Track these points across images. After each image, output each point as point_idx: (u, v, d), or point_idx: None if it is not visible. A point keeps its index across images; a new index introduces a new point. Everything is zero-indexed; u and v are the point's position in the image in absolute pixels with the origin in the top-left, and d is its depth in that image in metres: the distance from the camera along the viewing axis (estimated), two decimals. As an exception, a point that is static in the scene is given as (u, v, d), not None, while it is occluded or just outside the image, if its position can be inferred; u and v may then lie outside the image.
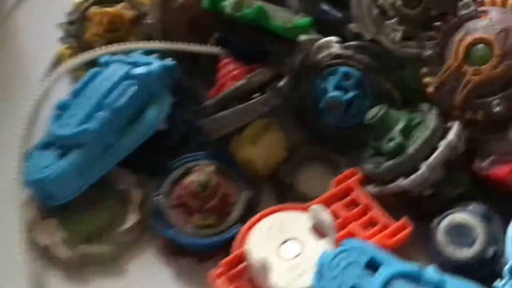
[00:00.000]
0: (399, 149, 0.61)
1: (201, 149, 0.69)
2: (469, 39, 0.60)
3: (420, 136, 0.60)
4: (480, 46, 0.59)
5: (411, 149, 0.60)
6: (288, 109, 0.70)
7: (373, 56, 0.67)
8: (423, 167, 0.59)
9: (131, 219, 0.64)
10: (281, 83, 0.66)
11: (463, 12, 0.61)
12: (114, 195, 0.66)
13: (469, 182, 0.61)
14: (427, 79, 0.63)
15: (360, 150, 0.66)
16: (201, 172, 0.64)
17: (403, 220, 0.60)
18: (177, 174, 0.66)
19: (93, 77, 0.67)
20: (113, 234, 0.64)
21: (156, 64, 0.67)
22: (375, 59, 0.67)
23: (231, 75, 0.67)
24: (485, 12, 0.60)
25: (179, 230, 0.63)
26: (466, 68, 0.59)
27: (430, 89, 0.62)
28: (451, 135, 0.59)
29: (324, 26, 0.71)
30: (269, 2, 0.69)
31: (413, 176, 0.59)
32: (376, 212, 0.61)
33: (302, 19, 0.68)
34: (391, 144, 0.61)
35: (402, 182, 0.60)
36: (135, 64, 0.67)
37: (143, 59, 0.68)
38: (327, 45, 0.69)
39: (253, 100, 0.64)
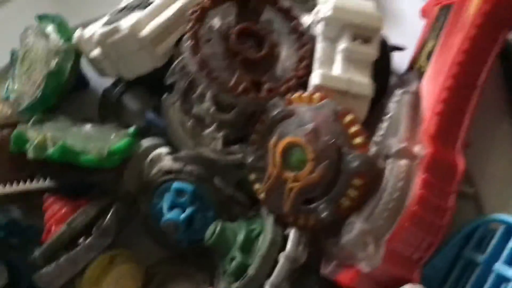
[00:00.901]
0: (242, 269, 0.58)
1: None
2: (281, 143, 0.57)
3: (259, 251, 0.57)
4: (295, 149, 0.56)
5: (251, 270, 0.57)
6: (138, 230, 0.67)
7: (205, 164, 0.64)
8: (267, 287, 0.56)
9: None
10: (106, 222, 0.61)
11: (273, 113, 0.58)
12: None
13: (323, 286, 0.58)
14: (256, 186, 0.60)
15: (216, 264, 0.63)
16: None
17: None
18: None
19: None
20: None
21: None
22: (207, 166, 0.64)
23: (57, 216, 0.63)
24: (293, 111, 0.57)
25: None
26: (287, 175, 0.57)
27: (261, 197, 0.59)
28: (289, 246, 0.57)
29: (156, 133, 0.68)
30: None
31: (258, 298, 0.57)
32: None
33: (120, 141, 0.63)
34: (233, 264, 0.58)
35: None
36: None
37: None
38: (158, 158, 0.65)
39: (77, 249, 0.61)
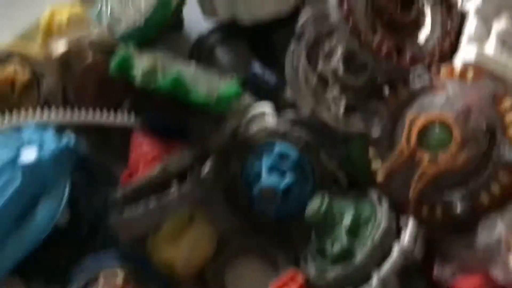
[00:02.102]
0: (346, 255, 0.51)
1: (111, 245, 0.57)
2: (423, 119, 0.50)
3: (370, 237, 0.50)
4: (437, 127, 0.49)
5: (359, 258, 0.50)
6: (217, 192, 0.59)
7: (313, 131, 0.57)
8: (374, 280, 0.49)
9: None
10: (204, 171, 0.54)
11: (416, 84, 0.51)
12: None
13: None
14: (375, 164, 0.52)
15: (301, 243, 0.56)
16: (108, 281, 0.53)
17: None
18: (79, 284, 0.54)
19: None
20: None
21: (50, 145, 0.54)
22: (315, 134, 0.57)
23: (145, 158, 0.56)
24: (441, 86, 0.50)
25: None
26: (421, 154, 0.49)
27: (379, 178, 0.52)
28: (405, 239, 0.49)
29: (257, 89, 0.61)
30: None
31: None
32: None
33: (228, 86, 0.56)
34: (337, 248, 0.51)
35: (351, 295, 0.50)
36: (25, 143, 0.54)
37: (35, 136, 0.56)
38: (261, 117, 0.58)
39: (169, 196, 0.53)
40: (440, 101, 0.50)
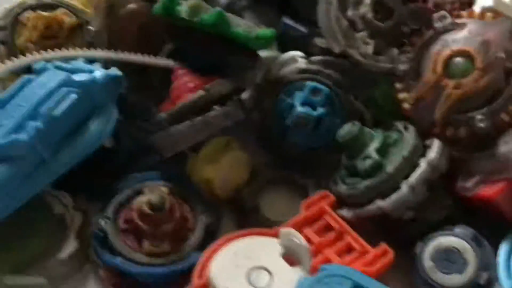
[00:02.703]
0: (376, 168, 0.55)
1: (151, 170, 0.61)
2: (447, 51, 0.56)
3: (398, 154, 0.55)
4: (460, 59, 0.56)
5: (390, 168, 0.55)
6: (249, 129, 0.64)
7: (341, 73, 0.63)
8: (404, 187, 0.54)
9: (69, 247, 0.55)
10: (244, 95, 0.59)
11: (439, 24, 0.58)
12: (49, 219, 0.56)
13: (452, 205, 0.56)
14: (402, 95, 0.58)
15: (329, 172, 0.60)
16: (153, 193, 0.56)
17: (382, 246, 0.54)
18: (125, 195, 0.58)
19: (26, 84, 0.57)
20: (48, 263, 0.54)
21: (100, 72, 0.58)
22: (343, 75, 0.62)
23: (187, 87, 0.60)
24: (462, 24, 0.57)
25: (128, 258, 0.54)
26: (446, 82, 0.56)
27: (406, 105, 0.58)
28: (432, 153, 0.55)
29: (286, 43, 0.66)
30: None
31: (393, 197, 0.54)
32: (352, 237, 0.55)
33: (265, 30, 0.62)
34: (368, 162, 0.56)
35: (380, 203, 0.54)
36: (76, 71, 0.58)
37: (85, 66, 0.60)
38: (292, 60, 0.64)
39: (213, 112, 0.57)
40: (462, 37, 0.57)
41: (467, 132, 0.55)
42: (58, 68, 0.59)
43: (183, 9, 0.59)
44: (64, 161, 0.55)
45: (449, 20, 0.58)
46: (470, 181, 0.55)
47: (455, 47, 0.56)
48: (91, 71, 0.59)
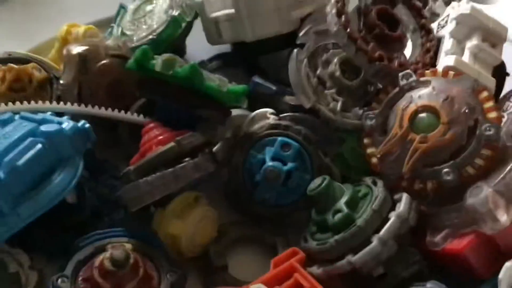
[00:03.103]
0: (347, 222, 0.55)
1: (115, 227, 0.59)
2: (413, 107, 0.57)
3: (368, 207, 0.55)
4: (425, 114, 0.57)
5: (360, 221, 0.54)
6: (217, 186, 0.63)
7: (311, 129, 0.63)
8: (375, 241, 0.53)
9: None
10: (215, 148, 0.59)
11: (405, 82, 0.59)
12: (3, 278, 0.54)
13: (421, 260, 0.55)
14: (370, 150, 0.59)
15: (298, 229, 0.60)
16: (116, 249, 0.54)
17: None
18: (86, 253, 0.55)
19: None
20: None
21: (68, 123, 0.57)
22: (312, 131, 0.63)
23: (157, 140, 0.59)
24: (427, 82, 0.59)
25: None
26: (412, 136, 0.56)
27: (374, 160, 0.58)
28: (401, 207, 0.55)
29: (256, 101, 0.67)
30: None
31: (364, 251, 0.53)
32: None
33: (237, 85, 0.63)
34: (338, 216, 0.55)
35: (351, 258, 0.53)
36: (44, 122, 0.57)
37: (53, 118, 0.59)
38: (263, 116, 0.64)
39: (183, 164, 0.56)
40: (427, 93, 0.58)
41: (435, 185, 0.55)
42: (24, 118, 0.58)
43: (157, 62, 0.60)
44: (24, 215, 0.53)
45: (413, 78, 0.60)
46: (438, 236, 0.54)
47: (421, 102, 0.57)
48: (59, 123, 0.58)
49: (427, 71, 0.60)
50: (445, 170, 0.55)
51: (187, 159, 0.57)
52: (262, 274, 0.55)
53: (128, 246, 0.56)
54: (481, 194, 0.52)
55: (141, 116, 0.65)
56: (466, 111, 0.56)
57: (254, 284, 0.53)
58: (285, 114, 0.64)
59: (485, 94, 0.57)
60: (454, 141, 0.55)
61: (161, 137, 0.59)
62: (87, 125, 0.59)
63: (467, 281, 0.54)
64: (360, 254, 0.53)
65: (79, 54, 0.65)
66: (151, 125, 0.61)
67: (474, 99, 0.57)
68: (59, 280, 0.53)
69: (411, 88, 0.59)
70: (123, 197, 0.57)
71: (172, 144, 0.57)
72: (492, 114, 0.56)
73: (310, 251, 0.56)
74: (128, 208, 0.57)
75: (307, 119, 0.63)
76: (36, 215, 0.53)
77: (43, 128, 0.56)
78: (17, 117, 0.58)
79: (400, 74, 0.60)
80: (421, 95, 0.58)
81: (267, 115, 0.64)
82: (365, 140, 0.60)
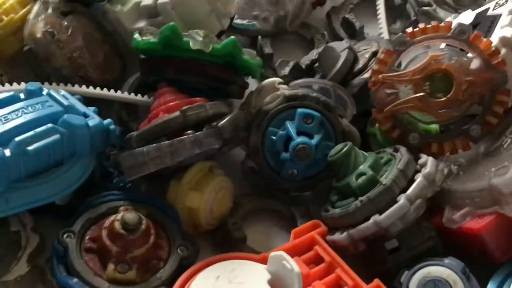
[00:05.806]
0: (372, 184, 0.51)
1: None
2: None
3: (393, 168, 0.51)
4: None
5: (387, 180, 0.50)
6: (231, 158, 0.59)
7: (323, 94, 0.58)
8: (402, 199, 0.49)
9: (18, 270, 0.48)
10: (222, 122, 0.52)
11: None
12: (4, 236, 0.50)
13: (436, 236, 0.51)
14: (378, 67, 0.55)
15: (319, 199, 0.56)
16: (130, 212, 0.49)
17: (376, 282, 0.48)
18: (97, 211, 0.50)
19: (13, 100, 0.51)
20: (-4, 284, 0.47)
21: (94, 120, 0.52)
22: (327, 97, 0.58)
23: (166, 106, 0.54)
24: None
25: (85, 281, 0.46)
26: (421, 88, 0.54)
27: (373, 78, 0.55)
28: (428, 167, 0.51)
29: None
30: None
31: (391, 209, 0.49)
32: (344, 271, 0.49)
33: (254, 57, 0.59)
34: (363, 178, 0.51)
35: (377, 218, 0.49)
36: (69, 110, 0.52)
37: (80, 108, 0.53)
38: (271, 87, 0.59)
39: (183, 137, 0.51)
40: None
41: (464, 143, 0.54)
42: (52, 98, 0.53)
43: (194, 40, 0.55)
44: (11, 204, 0.48)
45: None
46: (457, 213, 0.50)
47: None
48: (85, 115, 0.53)
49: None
50: (473, 127, 0.53)
51: (189, 131, 0.52)
52: (279, 245, 0.51)
53: (142, 211, 0.51)
54: (507, 175, 0.48)
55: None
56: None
57: (276, 251, 0.47)
58: (294, 82, 0.60)
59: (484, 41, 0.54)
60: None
61: (171, 103, 0.55)
62: (113, 126, 0.54)
63: (482, 264, 0.51)
64: (387, 213, 0.49)
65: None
66: (164, 89, 0.56)
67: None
68: (65, 235, 0.49)
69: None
70: (121, 164, 0.52)
71: (176, 113, 0.52)
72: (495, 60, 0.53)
73: (333, 219, 0.52)
74: (126, 176, 0.52)
75: (318, 84, 0.59)
76: (23, 209, 0.49)
77: (68, 117, 0.51)
78: (45, 91, 0.53)
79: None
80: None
81: (276, 86, 0.60)
82: (382, 56, 0.56)
